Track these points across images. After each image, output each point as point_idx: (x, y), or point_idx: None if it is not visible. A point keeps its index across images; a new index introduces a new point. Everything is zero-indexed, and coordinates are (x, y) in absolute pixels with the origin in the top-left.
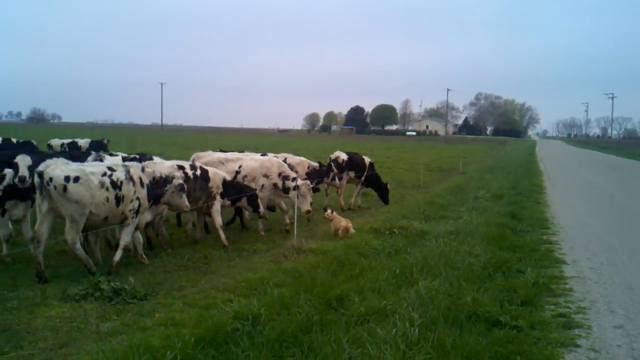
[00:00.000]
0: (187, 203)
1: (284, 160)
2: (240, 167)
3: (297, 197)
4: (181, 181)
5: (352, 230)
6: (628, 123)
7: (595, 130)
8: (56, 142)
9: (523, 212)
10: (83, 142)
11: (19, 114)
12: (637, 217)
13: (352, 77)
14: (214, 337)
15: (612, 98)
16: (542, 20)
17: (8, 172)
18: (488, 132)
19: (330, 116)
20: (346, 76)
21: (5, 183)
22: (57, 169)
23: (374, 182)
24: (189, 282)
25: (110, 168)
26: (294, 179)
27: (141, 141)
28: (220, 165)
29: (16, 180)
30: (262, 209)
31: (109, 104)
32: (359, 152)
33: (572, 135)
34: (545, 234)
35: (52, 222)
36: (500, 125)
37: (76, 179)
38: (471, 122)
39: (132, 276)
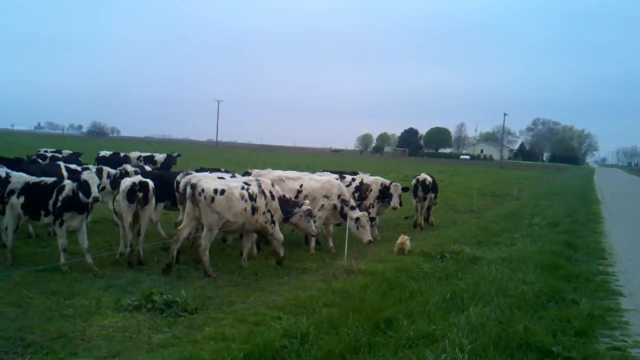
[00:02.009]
0: (314, 228)
1: (361, 181)
2: (301, 186)
3: (358, 229)
4: (310, 207)
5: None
6: None
7: None
8: (134, 155)
9: (579, 241)
10: (160, 157)
11: (79, 127)
12: None
13: (407, 98)
14: (263, 354)
15: None
16: (604, 46)
17: (67, 183)
18: (544, 159)
19: (383, 137)
20: (401, 97)
21: (64, 194)
22: (207, 182)
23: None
24: (239, 298)
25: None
26: (352, 208)
27: (196, 157)
28: (281, 183)
29: (90, 200)
30: (314, 228)
31: (166, 119)
32: (412, 174)
33: (633, 164)
34: (601, 264)
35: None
36: (558, 151)
37: (222, 192)
38: (527, 148)
39: (184, 290)
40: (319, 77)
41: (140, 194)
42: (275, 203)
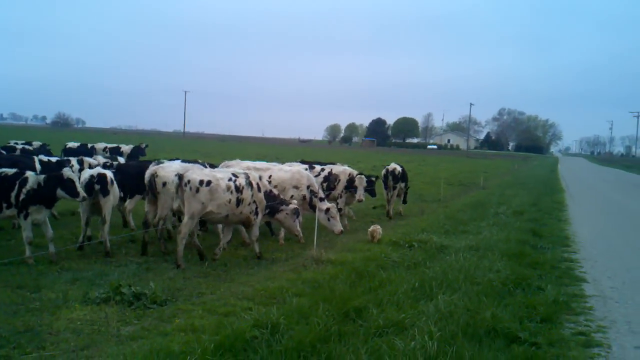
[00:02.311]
0: (298, 228)
1: (330, 171)
2: (270, 176)
3: (329, 220)
4: (297, 206)
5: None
6: None
7: (619, 149)
8: (99, 146)
9: (544, 229)
10: (126, 148)
11: (44, 118)
12: None
13: (375, 89)
14: (233, 344)
15: (638, 117)
16: (567, 37)
17: (30, 175)
18: (510, 148)
19: (351, 127)
20: (368, 88)
21: (28, 187)
22: (194, 173)
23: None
24: (208, 289)
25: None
26: (321, 199)
27: (163, 148)
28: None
29: (79, 199)
30: (299, 229)
31: (132, 110)
32: (381, 164)
33: (596, 153)
34: (566, 251)
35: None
36: (523, 141)
37: (208, 183)
38: (493, 137)
39: (153, 281)
40: (287, 67)
41: (98, 187)
42: (261, 195)
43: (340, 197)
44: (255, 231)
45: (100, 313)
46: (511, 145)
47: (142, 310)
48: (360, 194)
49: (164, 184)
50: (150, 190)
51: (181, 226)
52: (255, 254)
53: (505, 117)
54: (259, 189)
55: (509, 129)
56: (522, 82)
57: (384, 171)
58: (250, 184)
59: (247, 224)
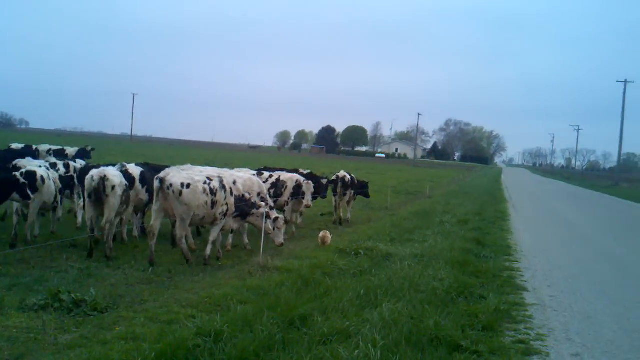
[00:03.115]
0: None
1: (278, 178)
2: None
3: (274, 229)
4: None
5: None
6: (592, 155)
7: (560, 161)
8: (43, 148)
9: (487, 238)
10: (71, 151)
11: None
12: (597, 247)
13: (325, 96)
14: (175, 353)
15: (578, 130)
16: (513, 51)
17: None
18: (456, 158)
19: (301, 134)
20: (319, 95)
21: None
22: (175, 177)
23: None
24: (151, 296)
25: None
26: (271, 207)
27: (108, 151)
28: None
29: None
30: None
31: (78, 112)
32: (329, 171)
33: (538, 165)
34: (508, 260)
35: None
36: (468, 151)
37: (188, 186)
38: (440, 147)
39: (94, 288)
40: (236, 73)
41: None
42: (232, 200)
43: (287, 204)
44: (215, 233)
45: (37, 320)
46: (457, 155)
47: (81, 318)
48: (308, 199)
49: (113, 187)
50: (96, 194)
51: (176, 229)
52: (204, 256)
53: (451, 128)
54: (231, 193)
55: (455, 139)
56: (469, 94)
57: (334, 178)
58: (224, 187)
59: (213, 223)
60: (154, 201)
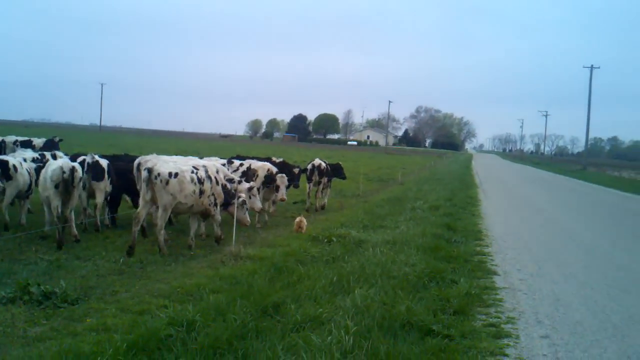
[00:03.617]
0: (248, 219)
1: (248, 166)
2: None
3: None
4: (244, 198)
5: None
6: (560, 140)
7: (529, 146)
8: (10, 139)
9: (458, 223)
10: (38, 142)
11: None
12: (565, 230)
13: (296, 85)
14: (147, 343)
15: (546, 116)
16: (482, 38)
17: None
18: (427, 145)
19: (273, 123)
20: (290, 84)
21: None
22: (163, 166)
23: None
24: (123, 287)
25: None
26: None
27: (77, 141)
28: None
29: None
30: (248, 219)
31: (46, 102)
32: (301, 159)
33: (507, 150)
34: (478, 245)
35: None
36: (439, 138)
37: (175, 175)
38: (411, 134)
39: (64, 280)
40: (207, 62)
41: None
42: (219, 188)
43: (258, 192)
44: (218, 217)
45: (6, 314)
46: (428, 142)
47: (51, 310)
48: (282, 193)
49: (80, 178)
50: (65, 185)
51: (157, 219)
52: (217, 237)
53: (422, 115)
54: (217, 182)
55: (426, 126)
56: (439, 81)
57: (309, 166)
58: (209, 177)
59: (207, 215)
60: (144, 191)
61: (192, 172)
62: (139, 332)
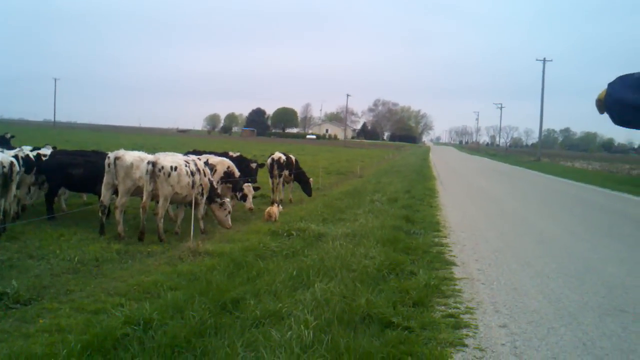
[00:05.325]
0: (229, 222)
1: (206, 161)
2: None
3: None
4: (227, 200)
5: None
6: (514, 132)
7: (485, 138)
8: None
9: (416, 215)
10: None
11: None
12: (521, 220)
13: (254, 79)
14: (102, 344)
15: (501, 108)
16: (440, 32)
17: None
18: (385, 138)
19: (231, 117)
20: (248, 78)
21: None
22: (165, 160)
23: (300, 177)
24: (77, 286)
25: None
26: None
27: (31, 138)
28: (142, 163)
29: None
30: (230, 223)
31: None
32: (261, 153)
33: (464, 142)
34: (437, 236)
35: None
36: (397, 131)
37: (175, 168)
38: (369, 127)
39: (16, 279)
40: (162, 55)
41: None
42: (206, 180)
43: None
44: (201, 210)
45: None
46: (386, 135)
47: (2, 312)
48: (249, 202)
49: (18, 172)
50: (4, 179)
51: (158, 208)
52: (200, 229)
53: (380, 108)
54: (204, 174)
55: (384, 119)
56: (397, 75)
57: (269, 160)
58: (198, 169)
59: (196, 204)
60: (147, 182)
61: (186, 165)
62: (93, 332)
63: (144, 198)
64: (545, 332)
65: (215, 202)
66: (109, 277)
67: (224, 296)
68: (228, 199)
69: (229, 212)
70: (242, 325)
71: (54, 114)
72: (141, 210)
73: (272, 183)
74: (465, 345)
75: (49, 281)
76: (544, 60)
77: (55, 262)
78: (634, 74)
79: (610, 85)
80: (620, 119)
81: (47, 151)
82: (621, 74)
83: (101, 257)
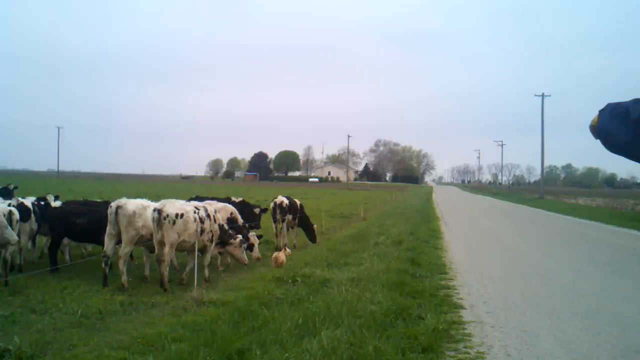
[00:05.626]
0: (245, 257)
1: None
2: None
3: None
4: (242, 238)
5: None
6: (517, 169)
7: (487, 176)
8: None
9: (422, 257)
10: None
11: None
12: (527, 260)
13: (255, 123)
14: None
15: (502, 145)
16: (438, 70)
17: None
18: (387, 178)
19: (233, 162)
20: (249, 122)
21: None
22: (171, 208)
23: (304, 222)
24: (81, 340)
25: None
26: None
27: (34, 188)
28: (144, 211)
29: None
30: (246, 258)
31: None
32: (264, 198)
33: (466, 181)
34: (443, 278)
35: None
36: (399, 171)
37: (182, 216)
38: (371, 168)
39: (18, 335)
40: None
41: None
42: (216, 226)
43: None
44: (208, 258)
45: None
46: (388, 175)
47: None
48: (257, 251)
49: (17, 221)
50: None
51: (163, 255)
52: (204, 277)
53: (381, 148)
54: (214, 220)
55: (386, 159)
56: (396, 114)
57: (272, 204)
58: (208, 215)
59: (204, 251)
60: (155, 231)
61: (195, 212)
62: None
63: (156, 249)
64: None
65: (230, 243)
66: (113, 330)
67: (230, 347)
68: (240, 236)
69: (244, 249)
70: None
71: (58, 163)
72: (157, 262)
73: (276, 228)
74: None
75: (52, 336)
76: (542, 96)
77: (58, 316)
78: (623, 103)
79: (600, 112)
80: (611, 148)
81: (50, 199)
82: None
83: (105, 310)
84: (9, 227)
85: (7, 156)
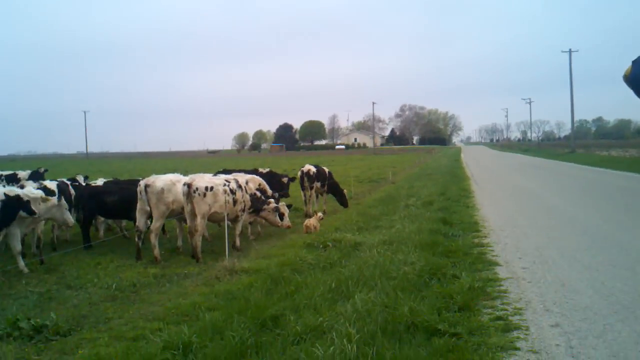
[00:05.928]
0: (280, 221)
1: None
2: None
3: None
4: (275, 205)
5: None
6: (546, 125)
7: (516, 134)
8: None
9: (453, 216)
10: (24, 174)
11: None
12: (561, 214)
13: (279, 94)
14: None
15: (530, 103)
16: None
17: None
18: (414, 142)
19: (259, 134)
20: (273, 94)
21: None
22: (200, 181)
23: (334, 188)
24: (116, 313)
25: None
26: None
27: (65, 170)
28: (173, 187)
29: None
30: (279, 221)
31: (30, 135)
32: (291, 167)
33: (495, 140)
34: (476, 237)
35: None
36: (426, 134)
37: (211, 189)
38: (397, 133)
39: (54, 311)
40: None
41: None
42: (247, 196)
43: None
44: (239, 227)
45: None
46: (415, 139)
47: (43, 344)
48: (287, 220)
49: None
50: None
51: (196, 226)
52: (236, 246)
53: (407, 113)
54: (246, 191)
55: (412, 123)
56: (420, 78)
57: (299, 173)
58: (240, 186)
59: (236, 221)
60: (185, 204)
61: (224, 185)
62: None
63: (188, 221)
64: (601, 329)
65: (264, 209)
66: (147, 302)
67: (263, 314)
68: (272, 200)
69: (276, 214)
70: (283, 343)
71: (86, 145)
72: (189, 234)
73: (304, 195)
74: (518, 349)
75: (88, 310)
76: (570, 51)
77: (93, 291)
78: None
79: (634, 62)
80: None
81: (80, 179)
82: None
83: (138, 283)
84: (67, 211)
85: (38, 141)
